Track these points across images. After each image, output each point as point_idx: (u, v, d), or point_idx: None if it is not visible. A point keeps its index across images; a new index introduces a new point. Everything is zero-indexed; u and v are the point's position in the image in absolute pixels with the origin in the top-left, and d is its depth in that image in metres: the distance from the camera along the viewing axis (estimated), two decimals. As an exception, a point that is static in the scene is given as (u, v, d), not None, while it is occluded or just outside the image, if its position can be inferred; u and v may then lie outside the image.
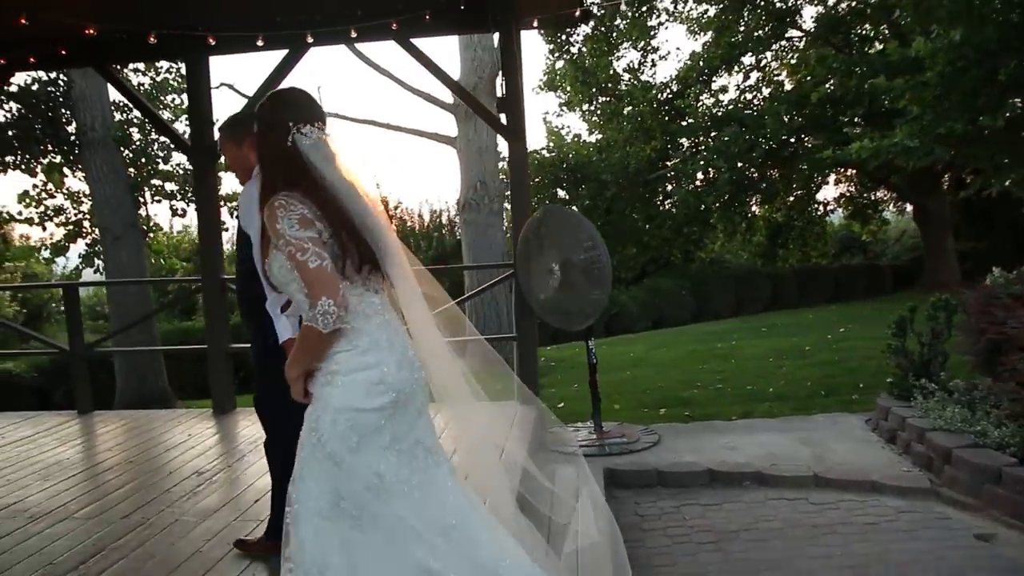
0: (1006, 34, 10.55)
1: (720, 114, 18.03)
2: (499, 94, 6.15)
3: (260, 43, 5.79)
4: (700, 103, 19.50)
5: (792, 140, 16.03)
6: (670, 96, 19.46)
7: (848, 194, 22.64)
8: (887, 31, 15.64)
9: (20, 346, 11.52)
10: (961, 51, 10.59)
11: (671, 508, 4.81)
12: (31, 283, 14.65)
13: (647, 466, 5.34)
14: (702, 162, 17.13)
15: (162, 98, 11.93)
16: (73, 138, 10.39)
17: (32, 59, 6.20)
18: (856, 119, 14.80)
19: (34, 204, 11.40)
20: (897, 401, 5.83)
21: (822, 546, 4.14)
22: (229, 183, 12.72)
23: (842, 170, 17.79)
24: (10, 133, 10.31)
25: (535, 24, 6.02)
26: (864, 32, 17.16)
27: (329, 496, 2.25)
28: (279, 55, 6.21)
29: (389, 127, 12.73)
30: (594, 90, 19.33)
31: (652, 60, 20.53)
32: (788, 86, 18.10)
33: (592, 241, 5.59)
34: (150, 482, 4.81)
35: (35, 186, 11.31)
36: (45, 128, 10.32)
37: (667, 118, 19.09)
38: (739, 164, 16.36)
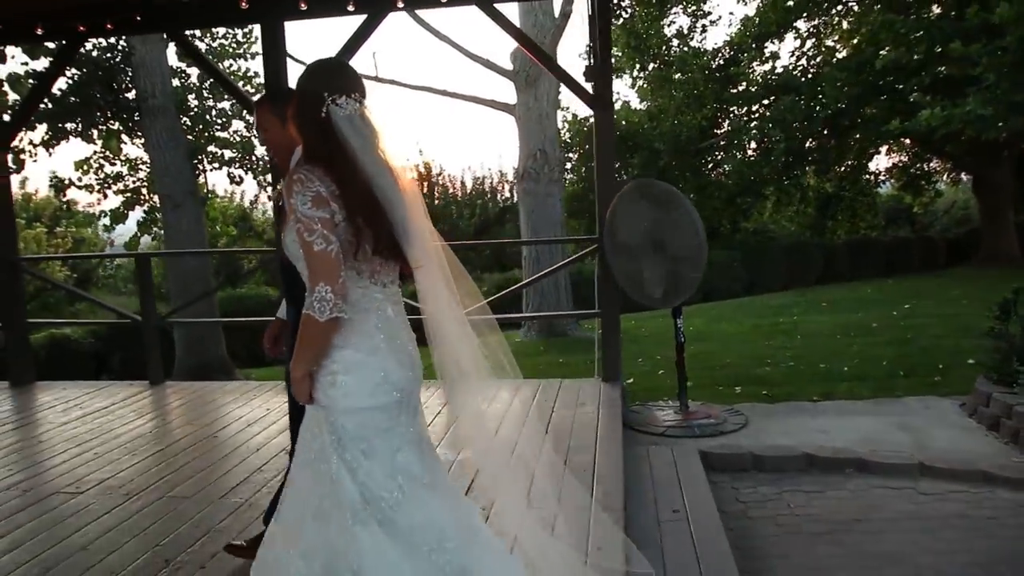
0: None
1: (774, 82, 17.58)
2: (586, 63, 5.96)
3: (351, 7, 5.61)
4: (752, 70, 19.01)
5: (850, 109, 15.51)
6: (722, 63, 18.99)
7: (900, 164, 22.07)
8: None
9: (84, 314, 11.61)
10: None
11: (773, 494, 4.68)
12: (101, 253, 14.53)
13: (741, 449, 5.21)
14: (755, 131, 16.75)
15: (220, 64, 11.81)
16: (133, 105, 10.33)
17: (109, 25, 6.09)
18: (917, 88, 14.31)
19: (92, 171, 11.41)
20: (998, 387, 5.62)
21: (941, 540, 3.99)
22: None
23: (895, 140, 17.20)
24: (71, 100, 10.28)
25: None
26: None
27: (352, 500, 2.20)
28: (333, 24, 6.00)
29: (446, 93, 12.53)
30: (645, 56, 18.88)
31: (703, 25, 20.06)
32: (842, 53, 17.57)
33: (689, 217, 5.41)
34: (239, 460, 4.76)
35: (95, 152, 11.31)
36: (105, 95, 10.27)
37: (719, 86, 18.65)
38: (796, 134, 15.94)
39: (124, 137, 11.16)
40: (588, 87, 5.91)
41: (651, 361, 9.00)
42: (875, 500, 4.51)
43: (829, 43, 18.35)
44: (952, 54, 11.24)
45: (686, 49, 19.35)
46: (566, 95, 16.61)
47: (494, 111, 12.25)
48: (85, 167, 11.41)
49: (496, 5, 5.85)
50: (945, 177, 23.38)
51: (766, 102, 17.12)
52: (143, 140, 10.83)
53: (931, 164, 21.94)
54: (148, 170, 11.46)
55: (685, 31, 19.82)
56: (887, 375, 7.54)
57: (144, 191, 11.50)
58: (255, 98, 3.43)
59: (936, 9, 15.04)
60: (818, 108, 15.72)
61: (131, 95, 10.50)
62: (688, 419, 5.81)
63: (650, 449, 5.14)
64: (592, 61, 5.95)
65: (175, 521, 3.85)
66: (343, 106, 2.17)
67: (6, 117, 6.95)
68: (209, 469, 4.62)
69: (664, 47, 18.77)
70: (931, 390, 6.80)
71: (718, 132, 19.01)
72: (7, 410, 6.19)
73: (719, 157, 18.92)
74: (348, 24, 6.25)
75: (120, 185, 11.40)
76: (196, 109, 11.42)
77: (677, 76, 18.71)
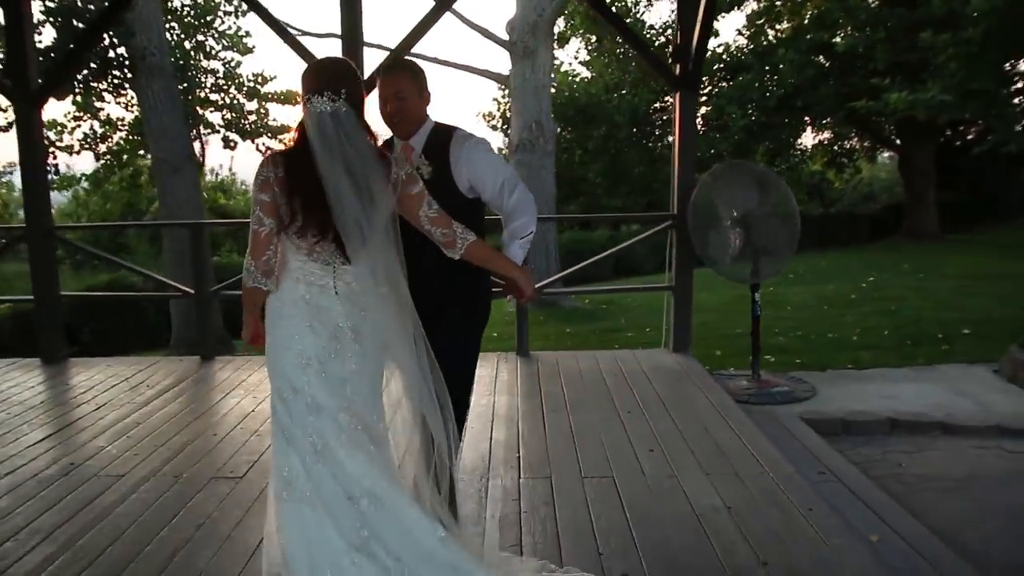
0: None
1: (727, 60, 18.26)
2: (675, 42, 6.16)
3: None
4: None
5: (805, 88, 16.34)
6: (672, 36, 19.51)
7: (824, 143, 23.33)
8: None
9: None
10: (1014, 9, 10.93)
11: (877, 455, 5.14)
12: (142, 222, 13.30)
13: (829, 414, 5.65)
14: (712, 108, 17.39)
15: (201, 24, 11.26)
16: (123, 62, 9.80)
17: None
18: (873, 71, 15.24)
19: (68, 132, 10.75)
20: (1036, 355, 6.28)
21: (1053, 492, 4.53)
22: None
23: (842, 121, 18.22)
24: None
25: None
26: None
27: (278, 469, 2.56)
28: None
29: (437, 61, 12.46)
30: (601, 26, 19.15)
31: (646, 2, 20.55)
32: (785, 33, 18.36)
33: (785, 198, 5.76)
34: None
35: (68, 113, 10.66)
36: (97, 51, 9.68)
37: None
38: (751, 112, 16.67)
39: (107, 96, 10.54)
40: (673, 68, 6.14)
41: (657, 330, 9.47)
42: (973, 458, 5.03)
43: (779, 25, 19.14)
44: (923, 43, 12.02)
45: (634, 21, 19.77)
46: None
47: (484, 80, 12.26)
48: (59, 127, 10.73)
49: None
50: (864, 155, 24.93)
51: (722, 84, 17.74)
52: (129, 100, 10.29)
53: (852, 143, 23.34)
54: (126, 131, 10.91)
55: (630, 3, 20.25)
56: (896, 344, 8.20)
57: (126, 155, 10.92)
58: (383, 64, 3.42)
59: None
60: (772, 87, 16.48)
61: (122, 51, 9.93)
62: (764, 387, 6.21)
63: (752, 417, 5.49)
64: (679, 40, 6.14)
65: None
66: (314, 105, 2.44)
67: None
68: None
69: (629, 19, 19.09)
70: (947, 358, 7.47)
71: (671, 104, 19.58)
72: (45, 387, 5.93)
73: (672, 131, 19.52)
74: None
75: (103, 147, 10.79)
76: (192, 71, 10.91)
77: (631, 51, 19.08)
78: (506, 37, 11.61)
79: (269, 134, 11.58)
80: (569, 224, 17.76)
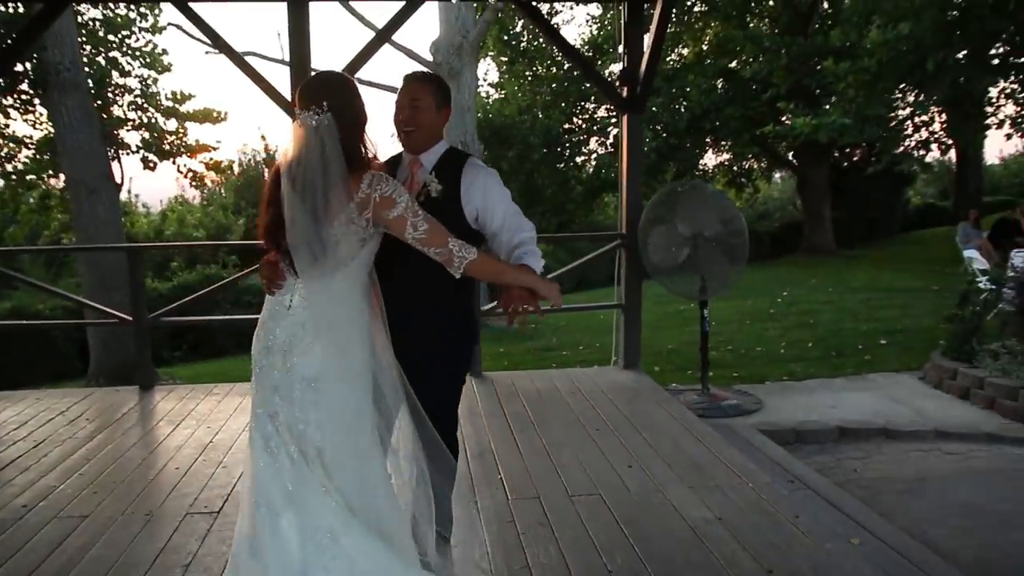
0: (937, 30, 11.86)
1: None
2: (622, 65, 6.31)
3: None
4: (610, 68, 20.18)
5: (712, 112, 17.01)
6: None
7: (725, 164, 24.32)
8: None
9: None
10: (903, 43, 11.76)
11: (831, 462, 5.37)
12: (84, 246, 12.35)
13: (782, 425, 5.87)
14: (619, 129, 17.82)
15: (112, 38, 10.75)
16: (32, 78, 9.22)
17: None
18: (774, 96, 16.04)
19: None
20: (958, 363, 6.70)
21: (994, 489, 4.84)
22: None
23: (747, 143, 19.01)
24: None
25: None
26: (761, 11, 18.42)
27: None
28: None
29: (361, 82, 12.28)
30: (514, 51, 19.45)
31: (556, 23, 20.93)
32: (687, 60, 19.12)
33: (732, 217, 5.97)
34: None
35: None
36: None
37: (579, 83, 19.60)
38: (662, 133, 17.22)
39: (12, 112, 9.90)
40: (620, 91, 6.29)
41: (593, 346, 9.66)
42: (917, 461, 5.33)
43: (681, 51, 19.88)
44: (826, 70, 12.74)
45: (541, 45, 20.14)
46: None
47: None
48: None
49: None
50: (761, 175, 26.11)
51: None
52: (38, 117, 9.72)
53: (750, 163, 24.41)
54: (33, 149, 10.29)
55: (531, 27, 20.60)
56: (822, 356, 8.62)
57: (33, 175, 10.27)
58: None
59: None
60: (681, 110, 17.08)
61: (28, 66, 9.35)
62: (714, 401, 6.39)
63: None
64: (626, 64, 6.30)
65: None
66: (300, 120, 2.44)
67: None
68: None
69: (533, 40, 19.41)
70: (871, 367, 7.90)
71: (570, 127, 20.01)
72: None
73: (582, 152, 19.94)
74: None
75: (8, 167, 10.12)
76: (108, 88, 10.38)
77: (543, 72, 19.45)
78: (430, 58, 11.61)
79: (189, 154, 11.15)
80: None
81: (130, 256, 6.32)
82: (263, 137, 24.55)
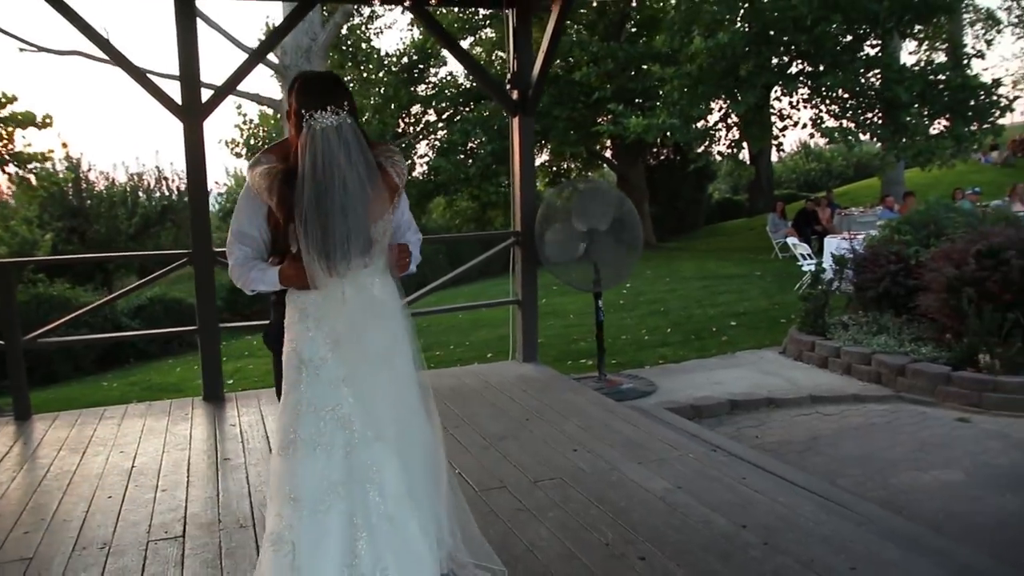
0: (748, 40, 13.14)
1: (463, 88, 19.17)
2: (511, 69, 6.53)
3: None
4: (436, 74, 20.44)
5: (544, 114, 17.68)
6: (408, 65, 20.07)
7: (545, 164, 25.29)
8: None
9: None
10: (721, 51, 12.92)
11: (733, 431, 5.87)
12: None
13: (681, 403, 6.33)
14: (457, 134, 18.14)
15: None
16: None
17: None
18: (602, 99, 16.95)
19: None
20: (814, 336, 7.51)
21: (875, 440, 5.54)
22: None
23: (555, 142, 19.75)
24: None
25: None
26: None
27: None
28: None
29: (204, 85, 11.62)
30: (346, 55, 19.18)
31: (379, 28, 20.94)
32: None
33: (627, 211, 6.35)
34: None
35: None
36: None
37: (407, 87, 19.69)
38: (498, 135, 17.64)
39: None
40: (512, 94, 6.52)
41: (480, 339, 9.83)
42: (804, 424, 5.96)
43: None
44: (654, 74, 13.68)
45: (367, 49, 20.05)
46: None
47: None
48: None
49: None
50: (579, 174, 27.38)
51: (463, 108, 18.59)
52: None
53: (568, 163, 25.55)
54: None
55: (364, 32, 20.50)
56: (684, 340, 9.29)
57: None
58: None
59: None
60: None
61: None
62: (612, 386, 6.76)
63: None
64: (515, 69, 6.53)
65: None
66: (318, 120, 2.42)
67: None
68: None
69: (364, 45, 19.26)
70: (733, 347, 8.64)
71: (409, 130, 20.07)
72: None
73: (410, 156, 19.97)
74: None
75: None
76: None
77: (374, 76, 19.33)
78: (276, 60, 11.27)
79: (15, 162, 10.08)
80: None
81: (2, 273, 5.71)
82: (64, 144, 22.56)
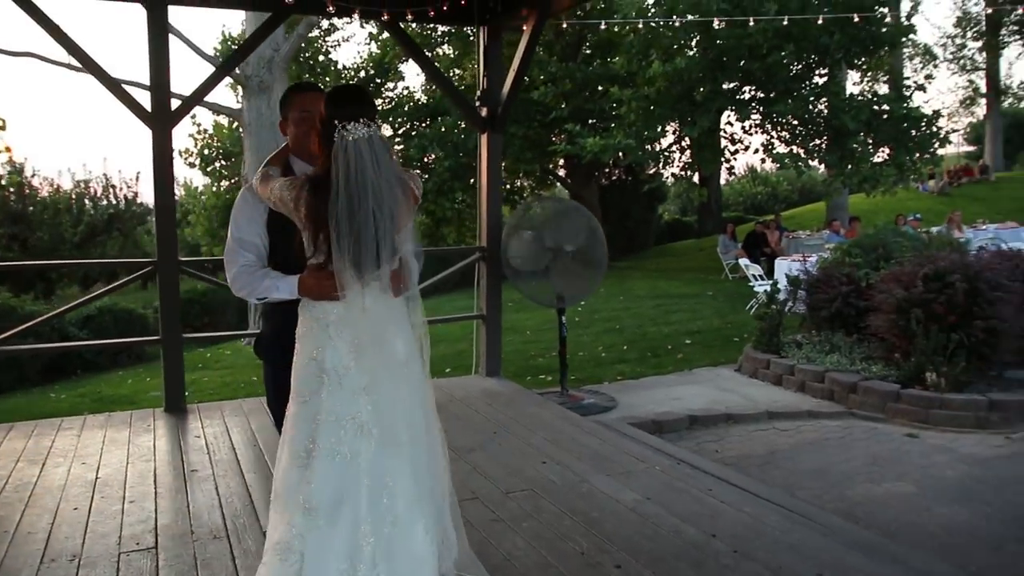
0: (704, 66, 13.50)
1: (421, 103, 19.25)
2: (481, 87, 6.62)
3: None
4: (393, 88, 20.48)
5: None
6: (366, 78, 20.09)
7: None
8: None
9: None
10: (679, 75, 13.24)
11: (693, 446, 6.01)
12: None
13: (642, 418, 6.45)
14: (414, 149, 18.19)
15: None
16: None
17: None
18: (558, 119, 17.18)
19: None
20: (769, 354, 7.72)
21: (830, 455, 5.73)
22: None
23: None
24: None
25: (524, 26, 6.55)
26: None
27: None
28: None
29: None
30: (303, 68, 19.11)
31: (336, 41, 20.91)
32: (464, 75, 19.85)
33: (591, 229, 6.48)
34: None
35: None
36: None
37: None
38: (457, 153, 17.75)
39: None
40: (480, 111, 6.62)
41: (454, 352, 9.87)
42: (762, 439, 6.13)
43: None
44: (612, 96, 13.94)
45: (323, 60, 20.03)
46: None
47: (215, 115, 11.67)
48: None
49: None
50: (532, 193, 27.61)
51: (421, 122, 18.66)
52: None
53: (521, 181, 25.75)
54: None
55: (321, 46, 20.49)
56: (640, 357, 9.46)
57: None
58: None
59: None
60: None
61: None
62: (574, 401, 6.86)
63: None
64: (484, 87, 6.62)
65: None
66: (351, 132, 2.43)
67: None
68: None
69: (322, 58, 19.21)
70: (689, 364, 8.83)
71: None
72: None
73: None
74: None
75: None
76: None
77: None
78: (238, 71, 11.19)
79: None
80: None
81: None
82: (7, 148, 21.85)
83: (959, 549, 4.22)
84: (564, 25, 18.66)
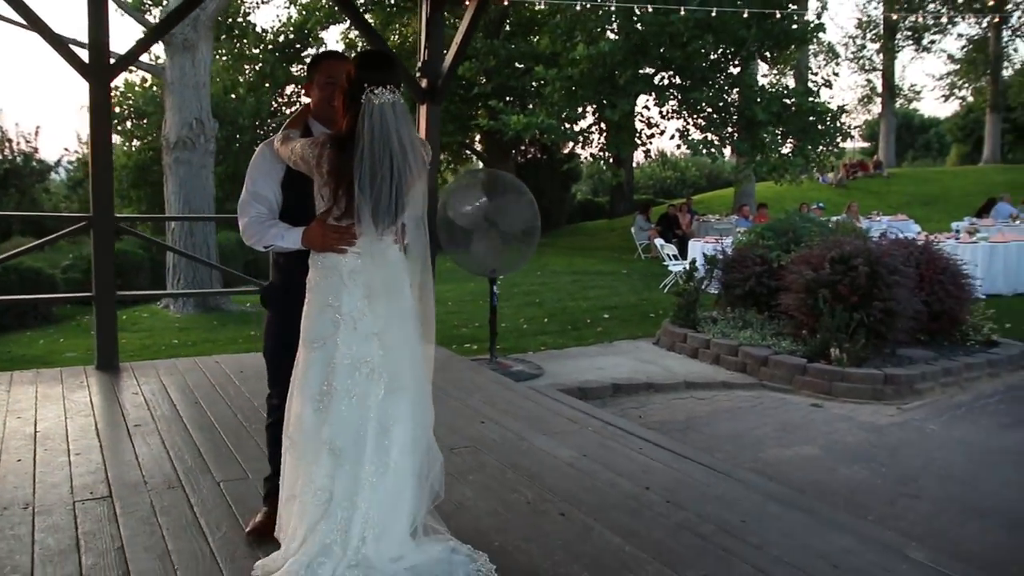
0: (626, 50, 13.88)
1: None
2: (422, 58, 6.72)
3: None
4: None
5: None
6: (285, 43, 19.68)
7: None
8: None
9: None
10: (602, 58, 13.58)
11: (618, 412, 6.33)
12: None
13: (568, 385, 6.76)
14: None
15: None
16: None
17: None
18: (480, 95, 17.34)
19: None
20: (686, 329, 8.15)
21: (744, 421, 6.17)
22: None
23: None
24: None
25: None
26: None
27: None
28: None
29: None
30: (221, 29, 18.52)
31: (256, 2, 20.35)
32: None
33: (528, 202, 6.70)
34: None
35: None
36: None
37: (285, 66, 19.31)
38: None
39: None
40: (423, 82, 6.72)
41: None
42: (681, 406, 6.53)
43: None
44: (537, 74, 14.16)
45: (243, 24, 19.51)
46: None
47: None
48: None
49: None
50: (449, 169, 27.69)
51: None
52: None
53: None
54: None
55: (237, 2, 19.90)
56: (561, 329, 9.79)
57: None
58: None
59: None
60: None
61: None
62: (503, 368, 7.11)
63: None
64: (425, 58, 6.72)
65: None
66: (377, 96, 2.60)
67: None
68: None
69: (241, 20, 18.68)
70: (608, 337, 9.20)
71: (283, 110, 19.66)
72: None
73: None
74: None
75: None
76: None
77: (248, 52, 18.80)
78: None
79: None
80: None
81: None
82: None
83: (860, 503, 4.68)
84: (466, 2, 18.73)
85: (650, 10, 13.18)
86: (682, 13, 12.54)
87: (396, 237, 2.78)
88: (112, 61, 5.70)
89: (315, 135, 2.95)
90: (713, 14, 12.13)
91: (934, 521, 4.49)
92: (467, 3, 6.39)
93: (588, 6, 13.10)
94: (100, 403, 5.11)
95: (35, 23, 5.31)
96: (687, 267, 8.91)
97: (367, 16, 19.88)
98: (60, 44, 5.40)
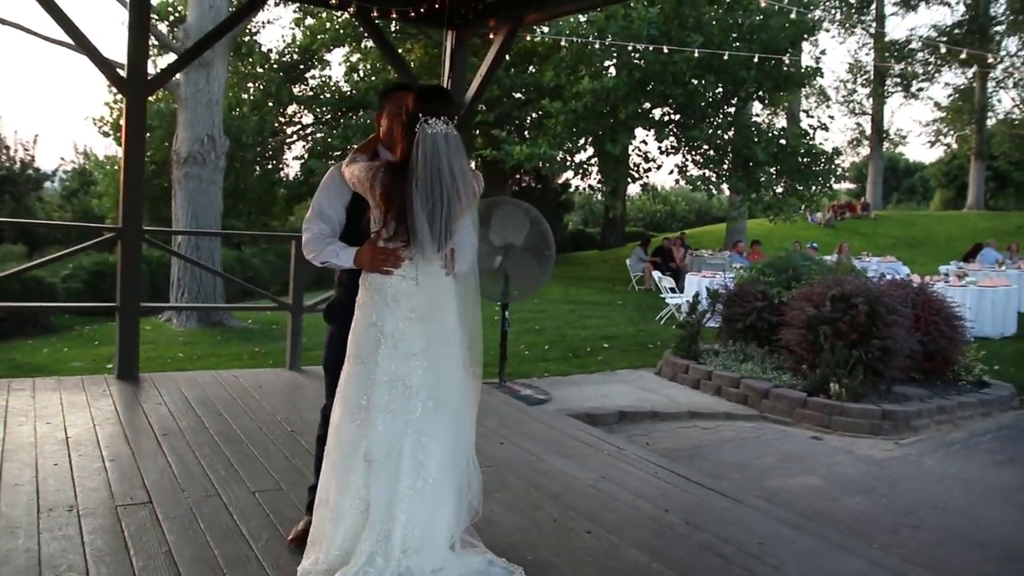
0: (628, 87, 14.19)
1: (348, 93, 19.25)
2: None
3: None
4: (315, 76, 20.37)
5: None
6: (290, 63, 19.91)
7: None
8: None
9: None
10: (606, 93, 13.89)
11: (625, 438, 6.47)
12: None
13: (576, 411, 6.90)
14: (337, 139, 18.16)
15: None
16: None
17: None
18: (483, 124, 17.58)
19: None
20: (688, 360, 8.33)
21: (748, 451, 6.33)
22: None
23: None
24: None
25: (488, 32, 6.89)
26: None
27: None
28: None
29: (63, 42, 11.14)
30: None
31: (261, 22, 20.60)
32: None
33: (544, 229, 6.88)
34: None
35: None
36: None
37: (288, 86, 19.51)
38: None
39: None
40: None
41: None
42: (686, 435, 6.68)
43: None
44: (543, 107, 14.45)
45: (249, 43, 19.72)
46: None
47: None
48: None
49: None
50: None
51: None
52: None
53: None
54: None
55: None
56: (562, 357, 9.94)
57: None
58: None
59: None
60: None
61: None
62: (512, 392, 7.24)
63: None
64: (448, 88, 6.93)
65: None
66: (431, 126, 2.77)
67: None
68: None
69: (247, 39, 18.90)
70: (610, 366, 9.37)
71: (285, 130, 19.85)
72: None
73: (284, 156, 19.79)
74: None
75: None
76: None
77: (253, 71, 19.00)
78: (177, 43, 11.04)
79: None
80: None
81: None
82: None
83: (863, 531, 4.84)
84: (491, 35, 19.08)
85: (651, 48, 13.58)
86: (696, 54, 12.88)
87: (444, 263, 2.92)
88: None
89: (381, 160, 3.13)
90: (725, 57, 12.49)
91: (935, 551, 4.66)
92: (492, 36, 6.61)
93: (597, 43, 13.46)
94: (125, 411, 5.21)
95: (79, 40, 5.47)
96: (689, 300, 9.11)
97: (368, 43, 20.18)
98: (104, 63, 5.55)
